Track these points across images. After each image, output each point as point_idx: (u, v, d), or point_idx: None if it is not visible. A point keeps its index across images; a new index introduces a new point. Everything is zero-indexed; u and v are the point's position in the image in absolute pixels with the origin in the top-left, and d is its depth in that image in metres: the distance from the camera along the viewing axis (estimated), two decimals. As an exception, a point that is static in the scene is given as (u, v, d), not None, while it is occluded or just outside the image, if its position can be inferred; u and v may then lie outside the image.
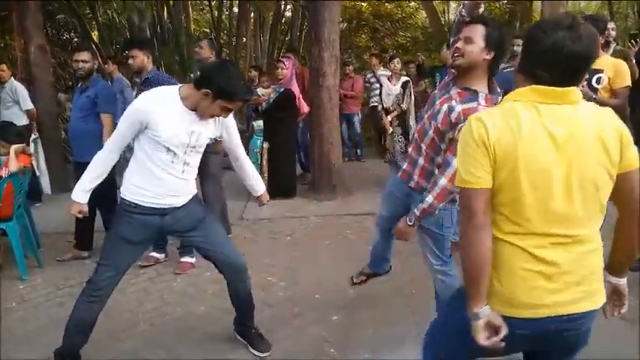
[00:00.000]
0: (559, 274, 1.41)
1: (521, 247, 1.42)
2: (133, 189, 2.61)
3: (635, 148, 1.46)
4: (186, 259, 4.22)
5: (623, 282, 1.63)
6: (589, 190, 1.41)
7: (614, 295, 1.64)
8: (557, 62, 1.39)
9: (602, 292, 1.51)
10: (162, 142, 2.51)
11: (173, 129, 2.51)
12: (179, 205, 2.68)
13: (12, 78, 6.42)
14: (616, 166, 1.43)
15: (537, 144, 1.37)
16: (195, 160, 2.70)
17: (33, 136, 6.40)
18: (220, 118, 2.65)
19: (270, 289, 3.80)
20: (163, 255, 4.41)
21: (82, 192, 2.65)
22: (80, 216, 2.70)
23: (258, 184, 3.07)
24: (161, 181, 2.58)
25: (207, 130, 2.65)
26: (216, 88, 2.43)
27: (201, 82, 2.47)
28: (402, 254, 4.25)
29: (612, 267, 1.62)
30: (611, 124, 1.45)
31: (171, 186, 2.61)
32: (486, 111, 1.48)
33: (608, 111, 1.49)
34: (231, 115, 2.73)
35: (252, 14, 11.04)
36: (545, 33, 1.39)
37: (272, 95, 6.25)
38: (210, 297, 3.66)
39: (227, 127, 2.77)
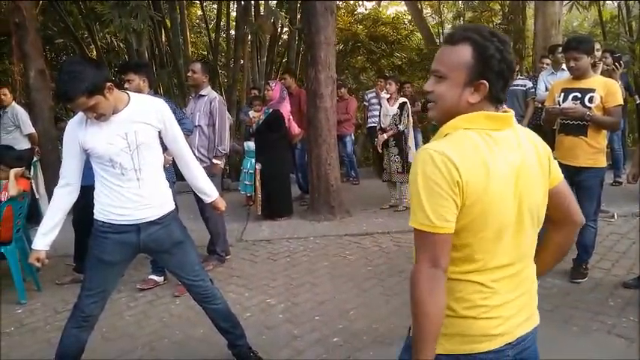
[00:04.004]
0: (512, 302, 1.38)
1: (480, 282, 1.34)
2: (102, 209, 2.60)
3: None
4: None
5: None
6: (535, 216, 1.40)
7: None
8: (504, 75, 1.34)
9: (536, 309, 1.49)
10: (102, 156, 2.49)
11: (106, 139, 2.47)
12: (153, 219, 2.62)
13: (13, 102, 6.49)
14: (547, 183, 1.45)
15: (502, 179, 1.30)
16: (149, 165, 2.60)
17: (34, 159, 6.43)
18: (159, 112, 2.60)
19: (269, 311, 3.79)
20: (162, 278, 4.40)
21: (40, 240, 2.58)
22: (38, 264, 2.60)
23: (206, 186, 2.97)
24: (122, 196, 2.55)
25: (143, 124, 2.55)
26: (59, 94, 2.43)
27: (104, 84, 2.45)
28: (402, 273, 4.26)
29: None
30: (539, 141, 1.45)
31: (134, 198, 2.56)
32: (446, 143, 1.31)
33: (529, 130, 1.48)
34: (168, 110, 2.67)
35: (250, 37, 11.16)
36: (509, 52, 1.34)
37: (262, 117, 6.34)
38: (209, 320, 3.64)
39: (164, 121, 2.65)
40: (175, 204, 4.29)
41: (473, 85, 1.34)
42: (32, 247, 2.61)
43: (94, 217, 2.63)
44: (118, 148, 2.49)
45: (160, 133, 2.66)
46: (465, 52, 1.33)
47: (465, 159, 1.27)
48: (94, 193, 2.64)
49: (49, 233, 2.59)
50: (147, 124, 2.57)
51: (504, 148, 1.32)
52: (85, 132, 2.50)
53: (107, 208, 2.57)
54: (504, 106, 1.42)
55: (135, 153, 2.53)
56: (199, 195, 3.04)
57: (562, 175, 1.50)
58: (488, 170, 1.28)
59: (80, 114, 2.52)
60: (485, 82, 1.32)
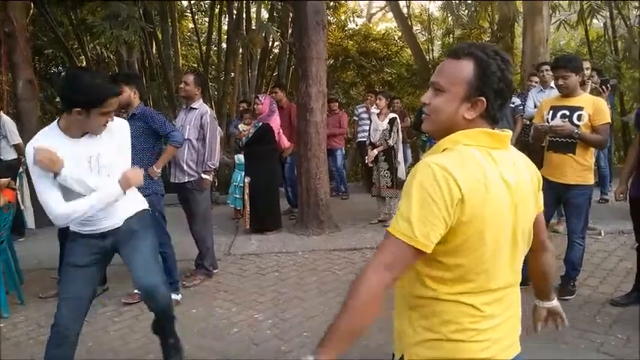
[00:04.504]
0: (500, 325, 1.35)
1: (471, 304, 1.30)
2: (73, 223, 2.63)
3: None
4: (172, 296, 4.14)
5: (555, 303, 1.72)
6: (526, 239, 1.40)
7: (553, 315, 1.73)
8: (502, 94, 1.34)
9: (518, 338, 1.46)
10: (67, 177, 2.45)
11: (68, 166, 2.44)
12: (119, 226, 2.69)
13: (1, 112, 6.42)
14: (537, 208, 1.47)
15: (500, 198, 1.28)
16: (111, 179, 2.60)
17: (20, 169, 6.36)
18: (111, 134, 2.60)
19: (257, 326, 3.75)
20: (148, 291, 4.34)
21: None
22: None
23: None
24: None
25: (105, 148, 2.57)
26: (82, 103, 2.38)
27: (68, 105, 2.42)
28: (391, 290, 4.23)
29: (540, 294, 1.70)
30: (532, 167, 1.45)
31: (97, 214, 2.58)
32: (448, 158, 1.27)
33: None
34: (124, 132, 2.69)
35: (241, 50, 11.19)
36: (510, 72, 1.34)
37: (251, 130, 6.34)
38: (195, 335, 3.60)
39: (120, 146, 2.66)
40: (163, 216, 4.25)
41: (471, 101, 1.32)
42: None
43: (69, 229, 2.69)
44: (80, 172, 2.49)
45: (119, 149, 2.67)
46: (467, 68, 1.32)
47: (467, 175, 1.24)
48: None
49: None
50: (109, 146, 2.60)
51: (503, 167, 1.31)
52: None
53: (76, 223, 2.62)
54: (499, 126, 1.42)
55: (96, 174, 2.55)
56: None
57: (542, 206, 1.53)
58: (489, 188, 1.25)
59: (40, 136, 2.51)
60: (483, 99, 1.31)
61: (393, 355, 1.42)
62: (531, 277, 1.65)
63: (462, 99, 1.33)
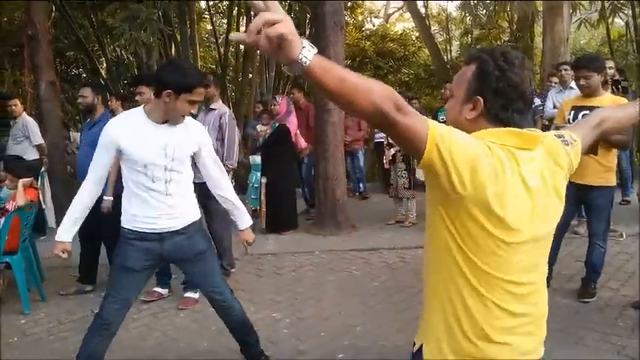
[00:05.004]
0: (522, 326, 1.34)
1: (494, 302, 1.29)
2: (128, 217, 2.65)
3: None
4: (190, 294, 4.19)
5: None
6: (547, 243, 1.38)
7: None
8: (526, 104, 1.33)
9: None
10: (138, 162, 2.54)
11: (145, 147, 2.53)
12: (177, 229, 2.67)
13: (24, 113, 6.54)
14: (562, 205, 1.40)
15: (517, 200, 1.25)
16: (179, 177, 2.66)
17: (42, 169, 6.47)
18: (195, 134, 2.68)
19: (274, 326, 3.76)
20: (167, 290, 4.38)
21: (65, 232, 2.63)
22: (65, 256, 2.63)
23: (240, 214, 2.93)
24: (147, 204, 2.59)
25: (183, 142, 2.63)
26: (174, 85, 2.45)
27: (159, 88, 2.50)
28: (409, 290, 4.22)
29: None
30: (558, 153, 1.40)
31: (158, 207, 2.60)
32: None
33: (551, 138, 1.43)
34: (206, 135, 2.78)
35: (258, 51, 11.26)
36: (515, 73, 1.30)
37: (268, 131, 6.36)
38: (214, 333, 3.62)
39: (200, 145, 2.73)
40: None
41: (471, 102, 1.33)
42: (57, 239, 2.63)
43: (121, 224, 2.67)
44: (154, 157, 2.55)
45: (194, 154, 2.73)
46: (469, 70, 1.34)
47: (490, 161, 1.21)
48: (122, 201, 2.69)
49: (73, 226, 2.64)
50: (186, 141, 2.65)
51: (526, 169, 1.27)
52: (127, 134, 2.54)
53: (134, 217, 2.63)
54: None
55: (169, 165, 2.59)
56: (231, 216, 2.99)
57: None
58: (504, 183, 1.22)
59: (123, 115, 2.66)
60: (479, 98, 1.31)
61: (414, 345, 1.42)
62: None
63: (463, 100, 1.35)
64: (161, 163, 2.56)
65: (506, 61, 1.30)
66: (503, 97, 1.30)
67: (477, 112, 1.32)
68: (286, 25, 1.03)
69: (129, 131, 2.55)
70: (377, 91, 1.12)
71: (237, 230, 2.97)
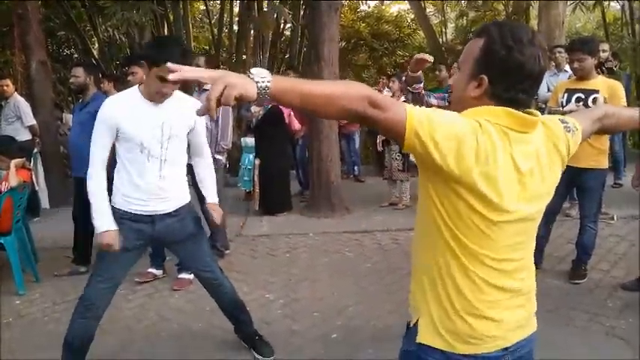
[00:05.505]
0: (509, 301, 1.36)
1: (482, 278, 1.31)
2: (120, 198, 2.63)
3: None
4: (184, 275, 4.20)
5: None
6: (535, 223, 1.38)
7: None
8: (534, 82, 1.31)
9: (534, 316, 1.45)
10: (134, 139, 2.53)
11: (142, 125, 2.53)
12: (169, 211, 2.66)
13: (15, 93, 6.48)
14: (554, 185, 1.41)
15: (506, 180, 1.25)
16: (174, 157, 2.64)
17: (35, 150, 6.44)
18: (190, 107, 2.63)
19: (268, 306, 3.79)
20: (161, 271, 4.40)
21: (107, 222, 2.54)
22: (117, 246, 2.54)
23: (208, 191, 2.96)
24: (139, 185, 2.58)
25: (178, 119, 2.61)
26: (147, 57, 2.47)
27: (144, 59, 2.53)
28: (401, 271, 4.26)
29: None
30: (558, 137, 1.39)
31: (152, 188, 2.59)
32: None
33: (554, 122, 1.42)
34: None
35: (252, 32, 11.14)
36: (522, 53, 1.25)
37: (261, 112, 6.34)
38: (207, 314, 3.64)
39: (195, 121, 2.71)
40: None
41: (476, 80, 1.30)
42: (103, 229, 2.52)
43: (112, 204, 2.63)
44: (151, 134, 2.54)
45: (190, 130, 2.72)
46: (476, 45, 1.30)
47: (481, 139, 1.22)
48: (114, 182, 2.66)
49: (109, 214, 2.58)
50: (182, 119, 2.64)
51: (517, 151, 1.26)
52: (124, 113, 2.53)
53: (126, 198, 2.61)
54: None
55: (165, 143, 2.58)
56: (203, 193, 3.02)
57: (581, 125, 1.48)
58: (491, 163, 1.22)
59: (119, 95, 2.64)
60: (485, 77, 1.28)
61: (408, 323, 1.43)
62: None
63: (469, 77, 1.32)
64: (157, 141, 2.56)
65: (514, 39, 1.26)
66: (509, 76, 1.27)
67: (481, 91, 1.30)
68: (233, 85, 1.06)
69: (125, 110, 2.54)
70: (346, 96, 1.15)
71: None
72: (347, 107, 1.15)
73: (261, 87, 1.08)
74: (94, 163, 2.58)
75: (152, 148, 2.56)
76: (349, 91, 1.16)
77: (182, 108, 2.64)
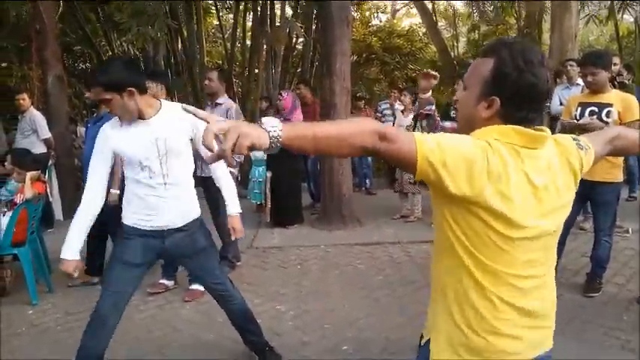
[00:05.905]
0: (527, 319, 1.35)
1: (499, 297, 1.31)
2: (129, 214, 2.65)
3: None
4: (196, 286, 4.20)
5: None
6: (555, 237, 1.38)
7: None
8: (544, 101, 1.32)
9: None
10: (132, 159, 2.54)
11: (136, 144, 2.52)
12: (178, 226, 2.65)
13: (31, 107, 6.59)
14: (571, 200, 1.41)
15: (522, 198, 1.25)
16: (177, 172, 2.62)
17: (50, 163, 6.52)
18: (186, 118, 2.55)
19: (279, 318, 3.78)
20: (173, 282, 4.41)
21: (69, 250, 2.59)
22: (76, 273, 2.63)
23: (228, 200, 2.88)
24: (145, 201, 2.58)
25: (174, 132, 2.58)
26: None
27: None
28: (413, 284, 4.24)
29: None
30: (570, 152, 1.39)
31: (157, 204, 2.58)
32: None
33: (567, 139, 1.43)
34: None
35: (265, 47, 11.24)
36: (533, 74, 1.27)
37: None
38: (219, 325, 3.64)
39: (197, 128, 2.62)
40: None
41: (486, 100, 1.31)
42: (63, 258, 2.59)
43: (122, 220, 2.66)
44: (147, 152, 2.54)
45: (192, 140, 2.68)
46: (485, 66, 1.31)
47: (492, 161, 1.22)
48: (123, 199, 2.70)
49: (78, 241, 2.62)
50: (178, 131, 2.60)
51: (530, 167, 1.27)
52: (118, 135, 2.55)
53: (134, 214, 2.62)
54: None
55: (164, 159, 2.56)
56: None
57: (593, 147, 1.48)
58: (505, 182, 1.23)
59: (115, 119, 2.60)
60: (496, 99, 1.29)
61: (421, 338, 1.42)
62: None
63: (478, 97, 1.33)
64: (155, 158, 2.55)
65: (525, 60, 1.27)
66: (521, 97, 1.28)
67: (492, 112, 1.31)
68: (246, 135, 1.08)
69: (120, 131, 2.55)
70: (356, 134, 1.17)
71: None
72: (358, 145, 1.17)
73: (272, 136, 1.11)
74: (87, 186, 2.61)
75: (152, 165, 2.55)
76: (358, 129, 1.18)
77: (174, 119, 2.58)
